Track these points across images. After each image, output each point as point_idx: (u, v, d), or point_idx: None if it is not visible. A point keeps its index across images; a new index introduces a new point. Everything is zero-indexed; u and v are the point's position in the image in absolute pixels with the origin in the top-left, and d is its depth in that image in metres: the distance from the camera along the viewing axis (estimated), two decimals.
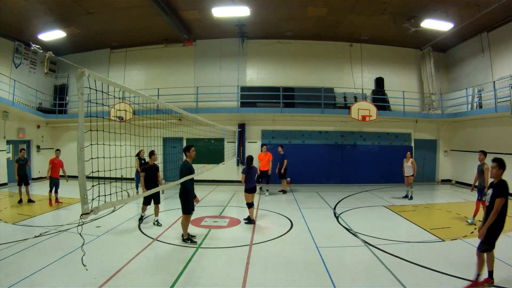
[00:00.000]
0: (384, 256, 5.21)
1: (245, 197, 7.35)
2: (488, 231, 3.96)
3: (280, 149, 11.82)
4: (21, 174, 9.28)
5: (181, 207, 5.94)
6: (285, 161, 11.48)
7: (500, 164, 4.09)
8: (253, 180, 7.39)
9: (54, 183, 9.14)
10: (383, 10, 11.18)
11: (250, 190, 7.27)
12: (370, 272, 4.63)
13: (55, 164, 9.22)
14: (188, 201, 5.86)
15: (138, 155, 9.70)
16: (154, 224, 7.11)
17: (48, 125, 15.14)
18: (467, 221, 7.28)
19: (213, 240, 6.18)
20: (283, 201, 10.30)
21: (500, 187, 3.97)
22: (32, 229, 6.59)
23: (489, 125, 12.01)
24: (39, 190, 11.26)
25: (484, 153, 7.57)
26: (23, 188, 9.25)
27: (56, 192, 9.22)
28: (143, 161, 9.30)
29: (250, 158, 7.41)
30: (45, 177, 13.94)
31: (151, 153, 7.28)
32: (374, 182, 13.69)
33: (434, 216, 8.45)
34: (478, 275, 4.09)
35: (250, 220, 7.32)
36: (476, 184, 7.56)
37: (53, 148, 15.23)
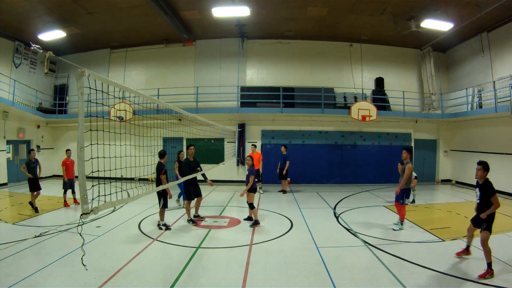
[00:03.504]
0: (384, 256, 5.21)
1: (251, 198, 7.09)
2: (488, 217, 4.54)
3: (283, 149, 11.67)
4: (33, 178, 8.52)
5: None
6: (288, 162, 11.36)
7: (485, 167, 4.60)
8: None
9: (69, 184, 9.06)
10: (383, 10, 11.18)
11: (254, 190, 7.16)
12: (370, 272, 4.62)
13: (68, 165, 9.06)
14: (185, 190, 7.28)
15: (178, 158, 8.18)
16: (161, 228, 6.77)
17: (48, 125, 15.14)
18: (393, 229, 6.71)
19: (213, 240, 6.18)
20: (283, 201, 10.31)
21: (489, 187, 4.53)
22: (32, 229, 6.58)
23: (489, 125, 12.01)
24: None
25: (409, 151, 6.85)
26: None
27: (73, 192, 9.15)
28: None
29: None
30: (46, 177, 13.99)
31: (165, 153, 6.93)
32: (374, 182, 13.69)
33: (434, 216, 8.45)
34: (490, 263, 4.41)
35: (255, 222, 7.14)
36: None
37: (53, 148, 15.34)
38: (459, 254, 5.08)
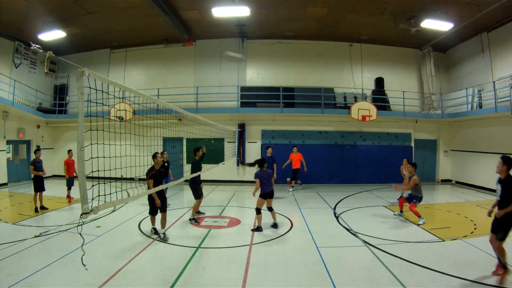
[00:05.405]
0: (384, 256, 5.21)
1: (258, 203, 6.72)
2: (505, 220, 4.24)
3: (269, 150, 11.08)
4: (40, 177, 8.48)
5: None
6: (275, 165, 10.62)
7: (504, 161, 4.38)
8: (269, 184, 6.76)
9: (71, 182, 9.67)
10: (383, 10, 11.18)
11: (265, 195, 6.71)
12: (370, 272, 4.62)
13: (70, 164, 9.72)
14: (196, 190, 7.34)
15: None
16: (160, 237, 6.12)
17: (48, 125, 15.13)
18: (418, 224, 7.08)
19: (213, 240, 6.18)
20: (283, 201, 10.29)
21: (510, 182, 4.27)
22: (32, 229, 6.58)
23: (489, 125, 12.01)
24: None
25: (414, 166, 8.02)
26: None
27: (69, 189, 9.65)
28: (166, 164, 8.16)
29: (263, 161, 6.88)
30: (46, 177, 13.91)
31: (156, 156, 6.31)
32: (374, 182, 13.68)
33: (434, 216, 8.45)
34: (505, 264, 4.32)
35: (258, 228, 6.70)
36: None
37: (53, 148, 15.34)
38: (495, 272, 4.43)
